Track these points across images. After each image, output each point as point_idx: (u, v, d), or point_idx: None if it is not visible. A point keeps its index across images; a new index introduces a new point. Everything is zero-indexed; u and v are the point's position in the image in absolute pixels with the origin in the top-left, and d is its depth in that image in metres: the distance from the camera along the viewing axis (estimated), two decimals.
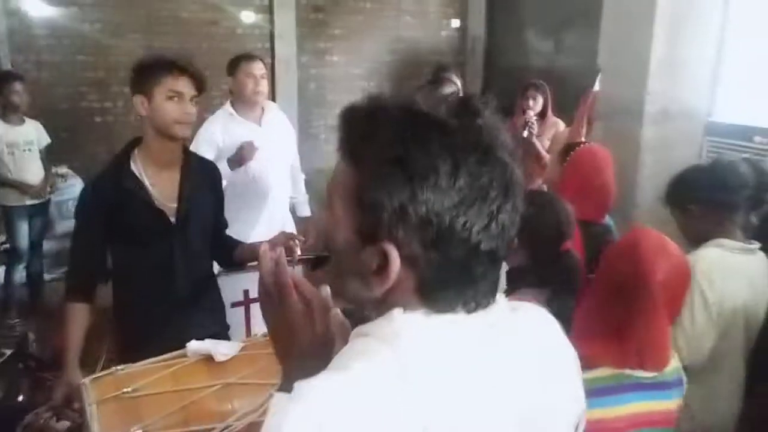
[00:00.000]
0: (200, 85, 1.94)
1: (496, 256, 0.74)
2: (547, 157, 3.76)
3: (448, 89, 3.40)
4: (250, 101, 3.09)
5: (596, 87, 3.13)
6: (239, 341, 1.85)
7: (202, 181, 2.08)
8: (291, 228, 3.43)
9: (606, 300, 1.38)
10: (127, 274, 2.03)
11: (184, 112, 1.90)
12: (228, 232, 3.04)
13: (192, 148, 2.43)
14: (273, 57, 6.44)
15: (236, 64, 3.09)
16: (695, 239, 1.90)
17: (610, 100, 2.57)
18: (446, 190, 0.69)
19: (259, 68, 3.10)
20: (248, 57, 3.15)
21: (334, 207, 0.78)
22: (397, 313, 0.73)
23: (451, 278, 0.73)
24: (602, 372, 1.28)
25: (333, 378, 0.69)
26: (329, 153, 7.47)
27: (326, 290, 0.93)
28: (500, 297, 0.80)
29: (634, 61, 2.41)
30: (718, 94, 3.72)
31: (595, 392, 1.22)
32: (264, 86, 3.09)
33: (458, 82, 3.81)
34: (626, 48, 2.44)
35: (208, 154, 2.78)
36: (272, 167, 3.20)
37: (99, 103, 5.63)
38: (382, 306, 0.75)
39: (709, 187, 1.87)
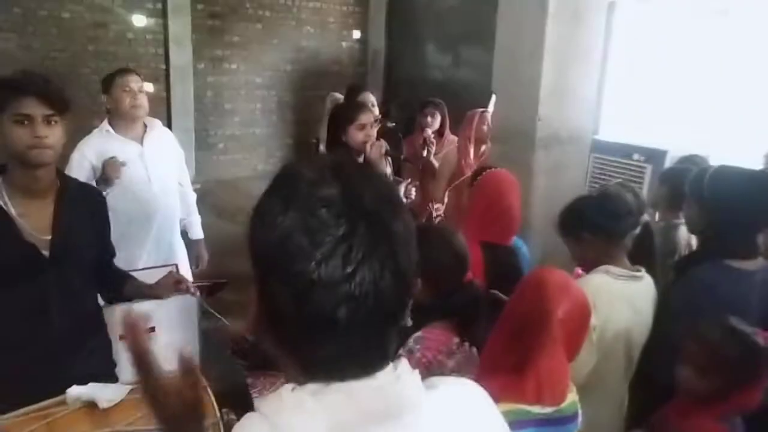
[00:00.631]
0: (55, 104, 1.73)
1: (334, 318, 0.67)
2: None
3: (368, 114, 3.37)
4: (128, 117, 2.89)
5: (490, 108, 3.23)
6: (126, 383, 1.73)
7: (81, 209, 1.89)
8: (182, 253, 3.27)
9: (509, 336, 1.41)
10: None
11: (34, 136, 1.70)
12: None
13: (66, 172, 2.25)
14: (167, 64, 6.18)
15: (111, 79, 2.89)
16: (586, 265, 1.97)
17: (504, 125, 2.67)
18: (272, 230, 0.68)
19: (135, 81, 2.90)
20: (123, 71, 2.95)
21: None
22: (286, 389, 0.71)
23: (291, 334, 0.71)
24: (502, 407, 1.30)
25: None
26: (227, 163, 7.29)
27: (188, 352, 0.92)
28: (403, 371, 0.75)
29: (525, 88, 2.51)
30: (602, 116, 3.99)
31: None
32: (142, 101, 2.91)
33: (373, 100, 3.81)
34: (518, 76, 2.54)
35: (83, 180, 2.60)
36: (157, 188, 3.02)
37: None
38: (284, 368, 0.75)
39: (598, 216, 1.93)
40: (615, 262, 1.91)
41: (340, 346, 0.70)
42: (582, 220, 1.96)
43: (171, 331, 2.40)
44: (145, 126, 2.98)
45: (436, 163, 3.78)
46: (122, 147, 2.88)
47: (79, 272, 1.86)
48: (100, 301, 2.15)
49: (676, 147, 3.63)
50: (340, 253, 0.66)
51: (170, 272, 2.15)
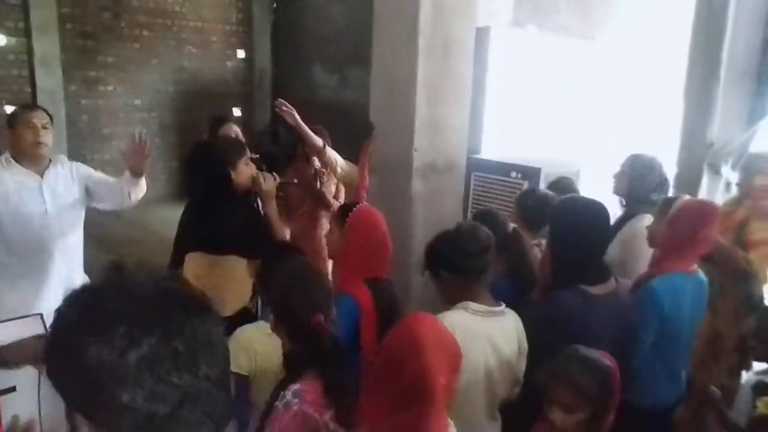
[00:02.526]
0: None
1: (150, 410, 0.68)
2: (335, 204, 3.83)
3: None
4: (30, 155, 2.71)
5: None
6: None
7: None
8: None
9: (393, 401, 1.38)
10: None
11: None
12: (7, 303, 2.64)
13: None
14: (33, 86, 5.77)
15: (15, 115, 2.76)
16: (450, 301, 1.98)
17: (382, 156, 2.71)
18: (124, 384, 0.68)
19: (39, 118, 2.75)
20: (28, 107, 2.86)
21: None
22: None
23: None
24: None
25: None
26: None
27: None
28: None
29: (401, 120, 2.57)
30: (483, 136, 4.16)
31: None
32: (46, 138, 2.74)
33: (238, 131, 3.74)
34: (393, 109, 2.59)
35: None
36: (56, 224, 2.82)
37: None
38: None
39: (453, 254, 1.96)
40: (475, 298, 1.94)
41: (181, 420, 0.70)
42: (438, 259, 2.00)
43: (34, 392, 2.22)
44: (50, 161, 2.80)
45: (327, 195, 3.77)
46: (20, 178, 2.69)
47: None
48: None
49: (549, 165, 3.86)
50: (153, 330, 0.68)
51: (33, 336, 1.96)
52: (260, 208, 2.91)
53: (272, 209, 2.77)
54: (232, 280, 2.67)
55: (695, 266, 2.30)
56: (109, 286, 0.73)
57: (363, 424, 1.40)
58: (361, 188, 3.48)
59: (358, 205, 2.28)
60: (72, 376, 0.69)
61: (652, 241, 2.39)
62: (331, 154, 3.50)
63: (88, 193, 2.94)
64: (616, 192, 2.92)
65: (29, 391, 2.20)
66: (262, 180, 2.71)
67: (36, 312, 2.33)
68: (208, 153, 2.79)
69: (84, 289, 0.74)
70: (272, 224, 2.72)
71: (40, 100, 5.85)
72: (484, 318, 1.93)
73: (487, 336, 1.92)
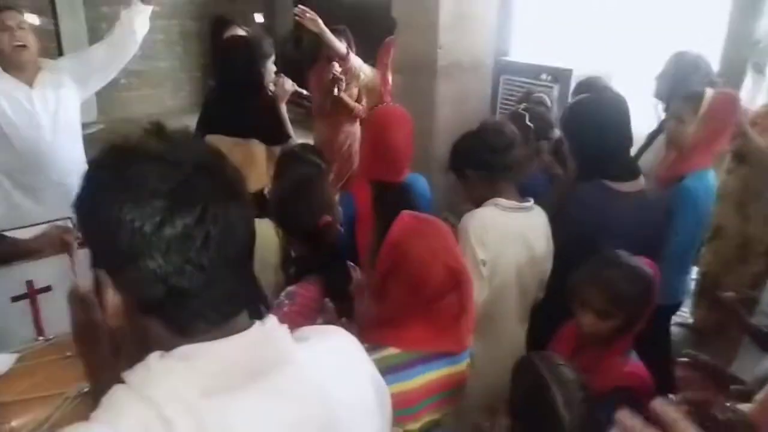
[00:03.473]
0: None
1: (198, 264, 0.68)
2: (359, 108, 3.76)
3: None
4: (12, 61, 2.63)
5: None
6: (13, 351, 1.65)
7: None
8: None
9: (393, 293, 1.36)
10: None
11: None
12: (6, 216, 2.66)
13: None
14: None
15: None
16: (476, 201, 1.96)
17: (404, 55, 2.59)
18: (107, 200, 0.67)
19: (11, 18, 2.61)
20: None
21: None
22: (153, 358, 0.69)
23: (158, 295, 0.68)
24: (392, 350, 1.31)
25: (86, 430, 0.66)
26: (133, 99, 6.87)
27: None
28: (271, 326, 0.75)
29: (425, 15, 2.43)
30: (510, 37, 3.97)
31: (389, 370, 1.26)
32: (26, 37, 2.63)
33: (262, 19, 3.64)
34: (416, 3, 2.45)
35: None
36: (52, 139, 2.78)
37: None
38: (147, 343, 0.72)
39: (478, 152, 1.92)
40: (503, 196, 1.90)
41: (211, 294, 0.70)
42: (463, 157, 1.95)
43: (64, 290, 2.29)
44: (39, 68, 2.72)
45: (348, 100, 3.70)
46: (9, 88, 2.63)
47: None
48: None
49: (581, 66, 3.69)
50: (186, 200, 0.67)
51: (53, 225, 2.00)
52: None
53: (282, 110, 2.82)
54: (252, 162, 2.76)
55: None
56: (146, 150, 0.69)
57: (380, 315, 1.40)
58: (385, 93, 3.40)
59: (382, 104, 2.23)
60: (100, 236, 0.69)
61: (676, 140, 2.29)
62: (354, 60, 3.41)
63: (80, 80, 2.87)
64: (657, 95, 2.75)
65: (64, 290, 2.28)
66: (283, 81, 2.73)
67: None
68: (248, 43, 2.82)
69: (120, 150, 0.70)
70: (287, 122, 2.79)
71: (59, 8, 5.75)
72: (514, 213, 1.90)
73: (519, 232, 1.90)
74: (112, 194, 0.67)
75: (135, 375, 0.69)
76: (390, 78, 3.29)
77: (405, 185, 2.18)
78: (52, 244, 1.84)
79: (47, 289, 2.30)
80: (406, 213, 1.43)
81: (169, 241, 0.66)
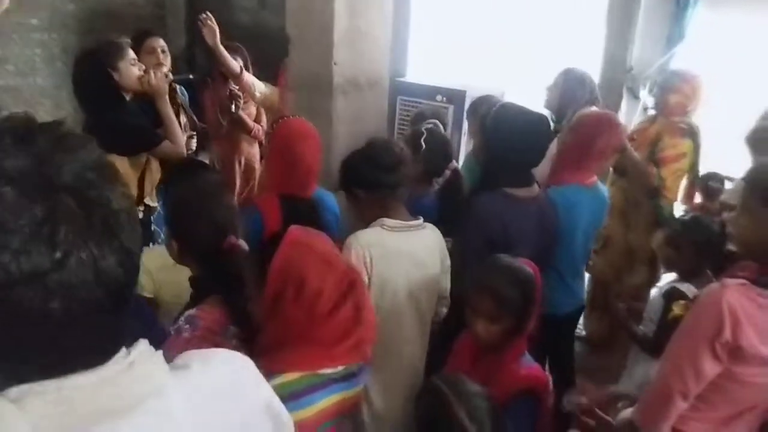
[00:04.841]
0: None
1: (48, 313, 0.57)
2: (257, 128, 3.68)
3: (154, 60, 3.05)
4: None
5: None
6: None
7: None
8: None
9: (288, 313, 1.29)
10: None
11: None
12: None
13: None
14: None
15: None
16: (365, 221, 1.94)
17: (300, 72, 2.57)
18: None
19: None
20: None
21: None
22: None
23: (31, 339, 0.59)
24: (291, 376, 1.25)
25: None
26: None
27: None
28: (141, 356, 0.66)
29: (319, 33, 2.42)
30: (407, 57, 4.06)
31: (290, 397, 1.20)
32: None
33: (164, 46, 3.46)
34: (310, 18, 2.43)
35: None
36: None
37: None
38: None
39: (365, 170, 1.91)
40: (390, 215, 1.89)
41: (57, 341, 0.59)
42: (351, 175, 1.95)
43: None
44: None
45: (246, 119, 3.61)
46: None
47: None
48: None
49: (474, 88, 3.82)
50: (44, 238, 0.56)
51: None
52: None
53: (165, 106, 2.66)
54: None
55: (594, 179, 2.34)
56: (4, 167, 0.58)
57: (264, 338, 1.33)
58: (284, 110, 3.34)
59: (284, 118, 2.19)
60: None
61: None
62: (249, 78, 3.34)
63: None
64: (548, 106, 2.92)
65: None
66: (149, 77, 2.58)
67: None
68: (86, 57, 2.61)
69: None
70: (166, 121, 2.63)
71: None
72: (400, 233, 1.88)
73: (405, 252, 1.88)
74: None
75: None
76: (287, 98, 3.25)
77: (314, 200, 2.14)
78: None
79: None
80: (292, 228, 1.38)
81: (16, 284, 0.56)
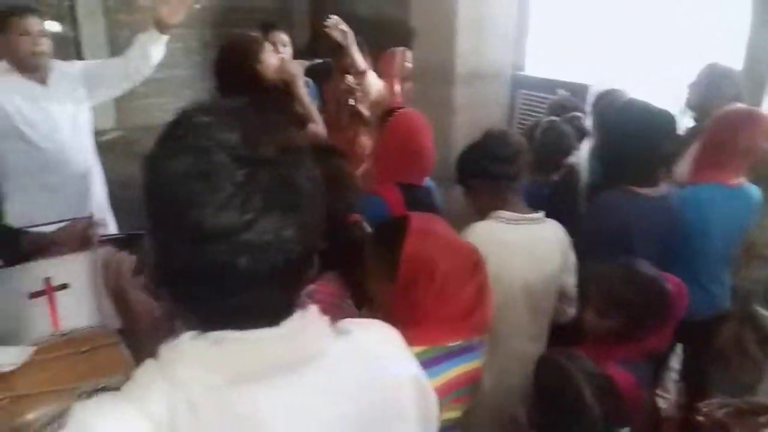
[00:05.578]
0: None
1: (234, 268, 0.65)
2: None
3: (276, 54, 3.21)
4: (29, 65, 2.69)
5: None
6: (30, 344, 1.66)
7: None
8: (104, 202, 3.12)
9: (416, 295, 1.34)
10: None
11: None
12: (16, 212, 2.70)
13: None
14: (74, 4, 5.73)
15: (5, 20, 2.63)
16: (481, 213, 1.93)
17: (421, 62, 2.61)
18: (166, 182, 0.66)
19: (34, 24, 2.67)
20: (21, 10, 2.67)
21: None
22: (185, 337, 0.69)
23: (201, 286, 0.68)
24: (416, 349, 1.29)
25: (107, 403, 0.67)
26: (151, 108, 6.94)
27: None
28: (311, 319, 0.74)
29: (443, 22, 2.44)
30: (526, 50, 3.98)
31: None
32: (45, 45, 2.70)
33: (286, 41, 3.63)
34: (435, 10, 2.46)
35: None
36: (65, 134, 2.84)
37: None
38: (184, 322, 0.72)
39: (482, 161, 1.90)
40: (508, 207, 1.87)
41: (242, 297, 0.68)
42: (467, 167, 1.94)
43: (86, 289, 2.31)
44: (49, 69, 2.79)
45: (365, 111, 3.70)
46: (23, 86, 2.69)
47: None
48: None
49: (598, 81, 3.68)
50: (239, 201, 0.64)
51: (74, 222, 2.02)
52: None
53: (302, 90, 2.77)
54: None
55: (739, 179, 2.18)
56: (222, 139, 0.67)
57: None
58: (394, 101, 3.40)
59: (400, 109, 2.25)
60: (162, 214, 0.69)
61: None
62: (371, 78, 3.41)
63: (89, 86, 2.92)
64: (689, 104, 2.76)
65: (81, 288, 2.31)
66: (287, 65, 2.71)
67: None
68: (228, 51, 2.78)
69: (199, 131, 0.68)
70: (306, 105, 2.74)
71: (80, 15, 5.83)
72: (518, 227, 1.85)
73: (522, 246, 1.85)
74: (169, 174, 0.66)
75: (167, 351, 0.69)
76: (398, 88, 3.29)
77: (428, 188, 2.20)
78: (73, 238, 1.85)
79: (64, 286, 2.33)
80: (412, 218, 1.42)
81: (209, 239, 0.65)
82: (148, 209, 0.69)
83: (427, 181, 2.32)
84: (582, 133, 2.56)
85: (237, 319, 0.69)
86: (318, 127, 2.78)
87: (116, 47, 6.08)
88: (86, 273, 2.21)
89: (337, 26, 3.13)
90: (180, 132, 0.68)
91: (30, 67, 2.68)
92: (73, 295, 2.31)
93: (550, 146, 2.39)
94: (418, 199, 2.12)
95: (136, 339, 1.57)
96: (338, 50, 3.38)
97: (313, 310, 0.75)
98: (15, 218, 2.58)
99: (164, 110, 6.69)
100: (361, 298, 1.49)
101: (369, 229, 1.69)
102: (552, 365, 1.38)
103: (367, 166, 3.93)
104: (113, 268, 1.29)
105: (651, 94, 3.35)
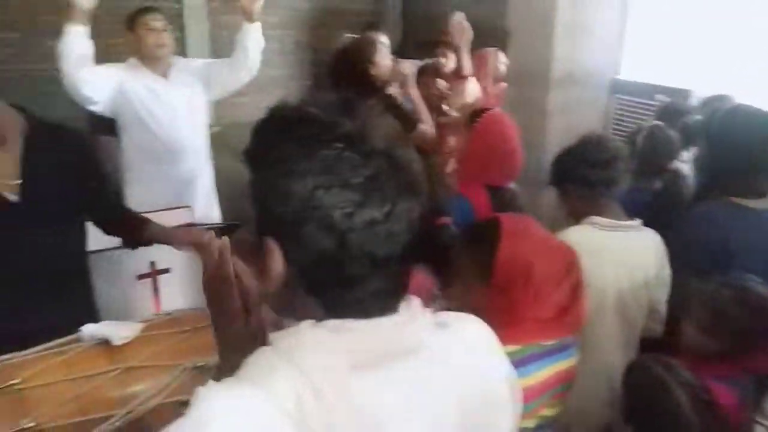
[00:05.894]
0: None
1: (374, 254, 0.69)
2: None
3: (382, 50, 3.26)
4: (152, 56, 2.93)
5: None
6: (139, 321, 1.79)
7: (53, 153, 1.80)
8: (210, 194, 3.31)
9: (513, 297, 1.33)
10: None
11: None
12: (134, 197, 2.92)
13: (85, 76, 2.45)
14: (181, 3, 6.06)
15: (134, 18, 2.92)
16: (575, 218, 1.90)
17: (518, 65, 2.59)
18: (298, 177, 0.67)
19: (158, 20, 2.95)
20: (146, 10, 2.98)
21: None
22: (305, 325, 0.71)
23: (327, 276, 0.70)
24: (511, 347, 1.29)
25: (231, 389, 0.67)
26: (245, 105, 7.23)
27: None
28: (416, 310, 0.76)
29: (540, 25, 2.42)
30: (623, 54, 3.84)
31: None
32: (167, 39, 2.95)
33: (387, 42, 3.70)
34: (532, 13, 2.44)
35: (108, 83, 2.77)
36: (183, 126, 3.05)
37: None
38: (294, 311, 0.74)
39: (578, 166, 1.87)
40: (602, 213, 1.84)
41: (375, 284, 0.71)
42: (562, 171, 1.91)
43: (185, 274, 2.47)
44: (169, 63, 3.01)
45: (452, 113, 3.69)
46: (149, 78, 2.92)
47: (51, 217, 1.79)
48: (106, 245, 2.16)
49: (700, 87, 3.51)
50: (378, 194, 0.67)
51: (187, 228, 2.17)
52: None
53: (414, 91, 2.84)
54: None
55: None
56: (337, 132, 0.69)
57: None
58: (488, 102, 3.37)
59: (488, 110, 2.24)
60: (282, 208, 0.69)
61: None
62: (471, 83, 3.38)
63: (206, 83, 3.10)
64: None
65: (181, 273, 2.46)
66: (400, 65, 2.78)
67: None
68: (345, 53, 2.88)
69: (310, 123, 0.70)
70: (419, 105, 2.78)
71: (186, 16, 6.16)
72: (612, 233, 1.81)
73: (616, 253, 1.80)
74: (303, 173, 0.67)
75: (284, 340, 0.71)
76: (490, 89, 3.26)
77: (513, 190, 2.19)
78: (190, 242, 1.93)
79: (166, 270, 2.50)
80: (504, 220, 1.41)
81: (354, 231, 0.67)
82: (275, 208, 0.70)
83: (511, 184, 2.30)
84: (691, 140, 2.45)
85: (358, 308, 0.71)
86: (428, 127, 2.84)
87: (217, 46, 6.39)
88: (187, 259, 2.36)
89: (460, 23, 3.12)
90: (299, 131, 0.70)
91: (154, 60, 2.92)
92: (174, 279, 2.47)
93: (652, 151, 2.31)
94: (503, 201, 2.11)
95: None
96: (435, 51, 3.40)
97: (416, 301, 0.77)
98: (132, 203, 2.80)
99: (258, 108, 6.85)
100: (447, 291, 1.51)
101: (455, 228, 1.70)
102: (645, 372, 1.34)
103: (453, 167, 3.95)
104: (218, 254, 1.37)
105: (761, 100, 3.18)
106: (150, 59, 2.94)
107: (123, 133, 3.03)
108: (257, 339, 0.87)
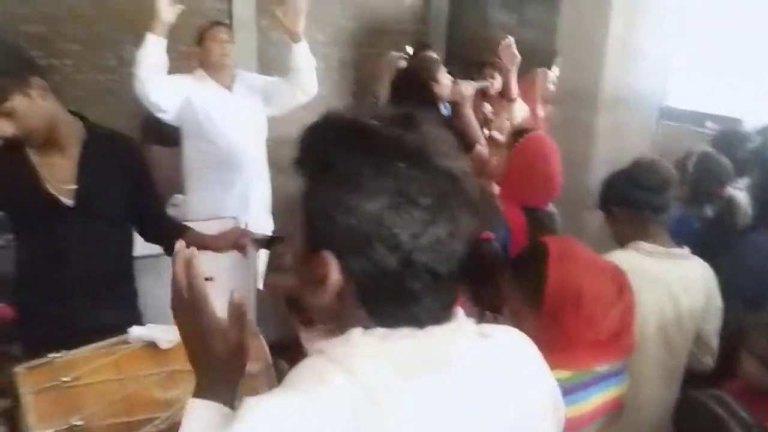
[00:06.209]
0: None
1: (435, 271, 0.70)
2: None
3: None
4: (217, 65, 3.05)
5: (555, 70, 3.12)
6: None
7: (107, 159, 1.87)
8: (266, 208, 3.37)
9: (564, 322, 1.32)
10: (19, 263, 1.88)
11: None
12: (197, 205, 3.02)
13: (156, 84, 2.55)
14: (231, 18, 6.23)
15: (203, 31, 3.11)
16: (621, 242, 1.88)
17: (565, 86, 2.58)
18: (369, 194, 0.68)
19: (224, 32, 3.13)
20: (214, 23, 3.20)
21: (294, 218, 0.78)
22: (356, 333, 0.72)
23: (387, 291, 0.71)
24: (562, 374, 1.28)
25: (283, 398, 0.68)
26: (289, 121, 7.32)
27: (239, 296, 0.92)
28: (462, 320, 0.77)
29: (590, 47, 2.41)
30: (672, 80, 3.78)
31: (562, 392, 1.23)
32: (230, 51, 3.09)
33: (436, 59, 3.73)
34: (583, 34, 2.43)
35: (176, 93, 2.89)
36: (246, 137, 3.16)
37: (44, 60, 5.30)
38: (339, 321, 0.76)
39: (627, 189, 1.85)
40: (649, 239, 1.80)
41: (432, 298, 0.72)
42: (612, 193, 1.88)
43: (227, 282, 2.50)
44: (233, 76, 3.12)
45: (496, 135, 3.69)
46: (214, 90, 3.03)
47: (103, 222, 1.86)
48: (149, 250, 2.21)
49: (751, 115, 3.42)
50: (445, 214, 0.69)
51: (234, 227, 2.22)
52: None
53: (469, 111, 2.88)
54: None
55: None
56: (404, 148, 0.70)
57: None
58: (534, 125, 3.36)
59: (530, 131, 2.23)
60: (346, 223, 0.69)
61: None
62: (518, 105, 3.37)
63: (266, 98, 3.20)
64: None
65: (222, 282, 2.49)
66: (459, 86, 2.81)
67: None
68: (409, 72, 2.93)
69: (376, 139, 0.71)
70: (469, 124, 2.80)
71: (236, 33, 6.32)
72: (658, 260, 1.77)
73: (661, 281, 1.76)
74: (373, 192, 0.68)
75: (336, 349, 0.71)
76: (540, 111, 3.25)
77: (551, 213, 2.17)
78: (229, 245, 2.00)
79: (209, 279, 2.53)
80: (550, 243, 1.40)
81: (419, 250, 0.69)
82: (340, 223, 0.70)
83: (550, 206, 2.28)
84: (746, 168, 2.39)
85: (411, 318, 0.72)
86: (483, 149, 2.86)
87: (264, 60, 6.54)
88: (231, 270, 2.40)
89: (510, 47, 3.13)
90: (364, 146, 0.70)
91: (219, 70, 3.05)
92: (217, 288, 2.51)
93: (703, 178, 2.26)
94: (540, 223, 2.10)
95: None
96: (481, 72, 3.42)
97: (461, 311, 0.78)
98: (191, 210, 2.89)
99: (299, 124, 7.01)
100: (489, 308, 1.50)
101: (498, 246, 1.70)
102: (699, 409, 1.29)
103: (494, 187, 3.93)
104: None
105: None
106: (215, 69, 3.08)
107: (186, 141, 3.15)
108: (239, 356, 0.90)
